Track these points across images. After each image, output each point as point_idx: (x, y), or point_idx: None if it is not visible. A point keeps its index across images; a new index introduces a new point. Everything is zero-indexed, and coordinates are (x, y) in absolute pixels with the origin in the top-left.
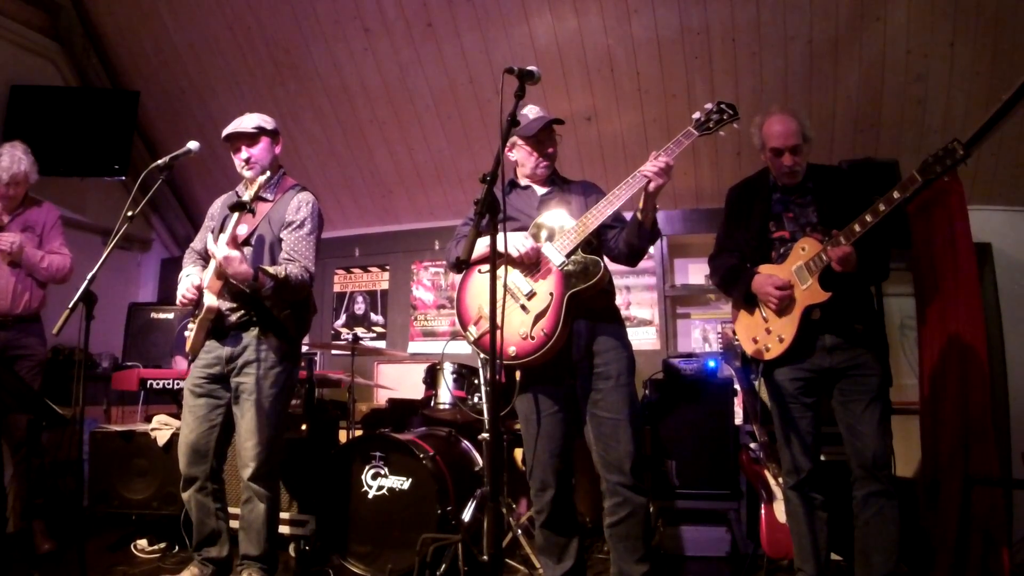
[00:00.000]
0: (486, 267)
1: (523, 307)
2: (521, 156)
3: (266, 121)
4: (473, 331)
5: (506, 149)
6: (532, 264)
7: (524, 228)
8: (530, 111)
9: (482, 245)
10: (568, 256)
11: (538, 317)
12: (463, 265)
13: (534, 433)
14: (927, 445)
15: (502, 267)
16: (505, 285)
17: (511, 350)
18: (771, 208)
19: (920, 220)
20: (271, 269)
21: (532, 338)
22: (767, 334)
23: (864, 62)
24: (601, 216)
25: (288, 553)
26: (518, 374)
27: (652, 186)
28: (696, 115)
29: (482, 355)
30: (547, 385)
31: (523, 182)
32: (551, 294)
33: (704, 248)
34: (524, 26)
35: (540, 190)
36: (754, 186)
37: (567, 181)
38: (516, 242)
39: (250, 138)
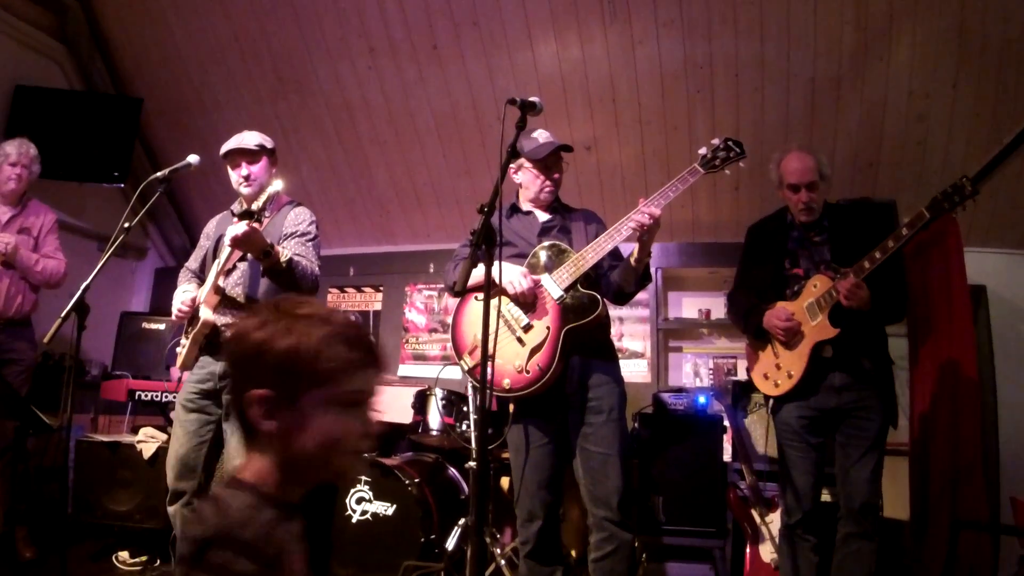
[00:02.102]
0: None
1: (519, 339)
2: (527, 179)
3: (267, 140)
4: (468, 361)
5: (511, 171)
6: (532, 297)
7: (523, 254)
8: (539, 135)
9: (479, 273)
10: (567, 290)
11: (534, 351)
12: (457, 294)
13: (523, 464)
14: (915, 486)
15: (502, 295)
16: (500, 315)
17: (505, 383)
18: (787, 245)
19: (916, 262)
20: (279, 248)
21: (527, 372)
22: (777, 370)
23: (865, 101)
24: (596, 256)
25: None
26: (511, 406)
27: (643, 234)
28: (703, 151)
29: (473, 384)
30: (539, 417)
31: (525, 207)
32: (548, 328)
33: (699, 282)
34: (528, 53)
35: (542, 216)
36: (772, 223)
37: (569, 209)
38: (514, 277)
39: (252, 155)
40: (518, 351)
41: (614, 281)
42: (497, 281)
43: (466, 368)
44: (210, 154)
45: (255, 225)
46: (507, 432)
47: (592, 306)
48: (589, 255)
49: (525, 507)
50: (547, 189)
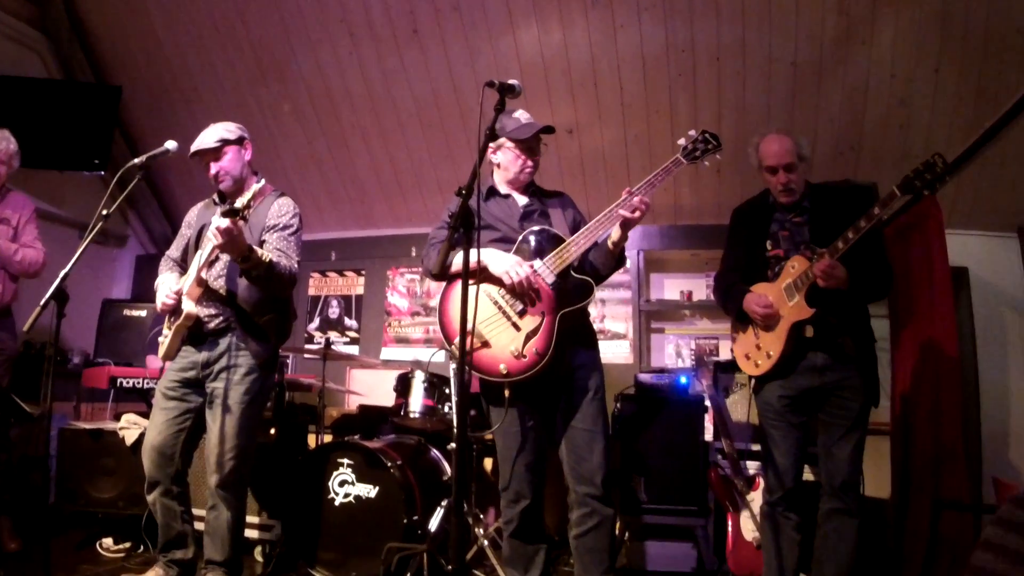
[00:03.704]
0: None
1: (514, 325)
2: (507, 159)
3: (229, 131)
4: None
5: (490, 151)
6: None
7: (507, 239)
8: (521, 115)
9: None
10: (560, 276)
11: (529, 336)
12: (438, 278)
13: (513, 446)
14: (897, 466)
15: (491, 279)
16: (494, 301)
17: (502, 368)
18: (768, 227)
19: (897, 244)
20: (259, 251)
21: (524, 356)
22: (757, 350)
23: (847, 85)
24: (587, 242)
25: (254, 557)
26: (507, 391)
27: (631, 220)
28: (682, 142)
29: (473, 371)
30: (527, 401)
31: (503, 189)
32: (543, 313)
33: (681, 264)
34: (510, 37)
35: (520, 199)
36: (755, 206)
37: (544, 192)
38: (509, 267)
39: (214, 152)
40: (513, 336)
41: (591, 263)
42: (485, 266)
43: (457, 353)
44: (190, 141)
45: (240, 224)
46: (494, 414)
47: (586, 291)
48: (581, 240)
49: (512, 489)
50: (527, 170)
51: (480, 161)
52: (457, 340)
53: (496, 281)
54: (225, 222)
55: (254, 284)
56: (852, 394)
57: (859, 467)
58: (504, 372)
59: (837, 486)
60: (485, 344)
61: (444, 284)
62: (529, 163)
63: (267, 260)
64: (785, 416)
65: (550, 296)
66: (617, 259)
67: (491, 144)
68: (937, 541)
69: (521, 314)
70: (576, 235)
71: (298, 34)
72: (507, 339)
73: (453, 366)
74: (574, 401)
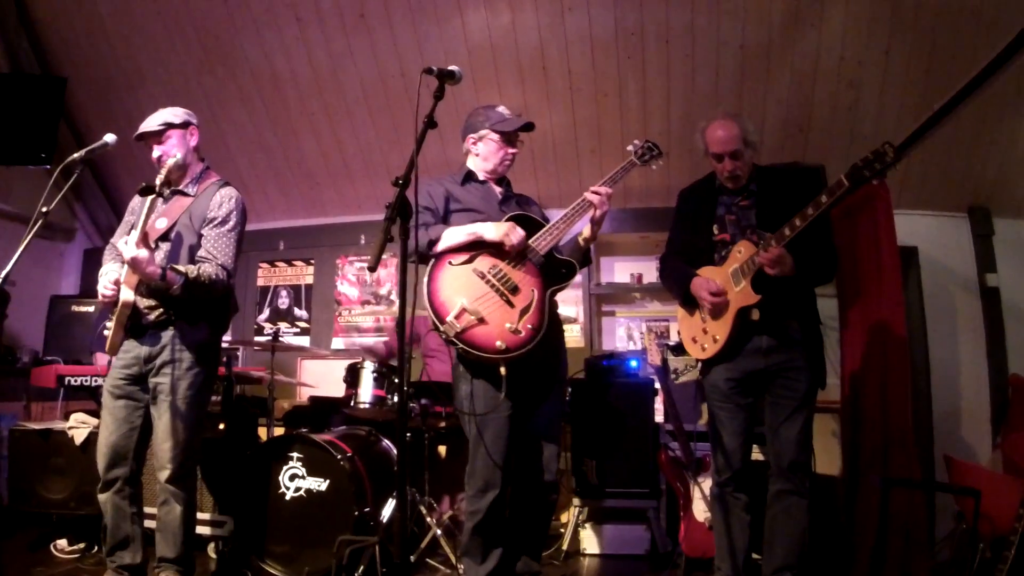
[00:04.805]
0: (459, 259)
1: (508, 301)
2: (488, 150)
3: (175, 115)
4: (456, 324)
5: (471, 141)
6: (514, 258)
7: (490, 220)
8: (503, 110)
9: (458, 233)
10: (547, 255)
11: (523, 312)
12: (422, 259)
13: (492, 432)
14: (847, 444)
15: (480, 258)
16: (484, 277)
17: (499, 344)
18: (715, 211)
19: (845, 224)
20: (182, 268)
21: (519, 332)
22: (704, 334)
23: (796, 68)
24: (567, 228)
25: (207, 554)
26: (502, 369)
27: (598, 214)
28: (631, 148)
29: (464, 348)
30: (495, 384)
31: (480, 176)
32: (533, 290)
33: (630, 247)
34: (457, 20)
35: (496, 188)
36: (701, 189)
37: (511, 188)
38: (506, 228)
39: (157, 135)
40: (508, 312)
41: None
42: (479, 236)
43: (454, 332)
44: (135, 130)
45: (143, 259)
46: (465, 399)
47: (571, 270)
48: (562, 225)
49: (482, 477)
50: (506, 162)
51: (417, 150)
52: (451, 319)
53: (487, 256)
54: (132, 251)
55: (179, 298)
56: (798, 375)
57: (808, 447)
58: (501, 348)
59: (785, 466)
60: (482, 321)
61: (431, 264)
62: (510, 154)
63: (192, 275)
64: (732, 398)
65: (538, 274)
66: (584, 254)
67: (472, 135)
68: (888, 518)
69: (513, 291)
70: (557, 220)
71: (243, 20)
72: (503, 315)
73: (463, 348)
74: (544, 387)
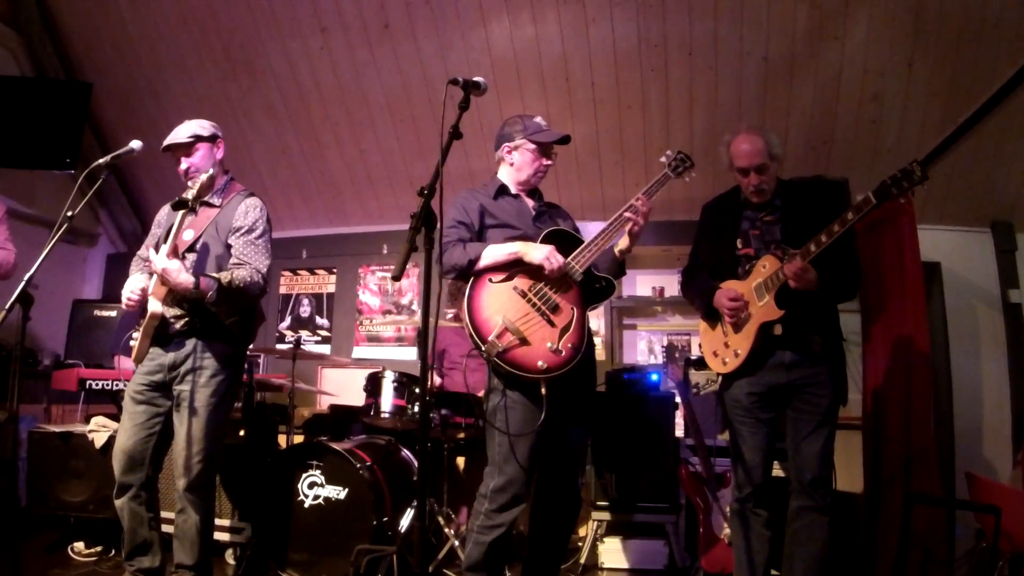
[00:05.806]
0: (499, 276)
1: (549, 321)
2: (523, 160)
3: (203, 128)
4: (498, 344)
5: (505, 150)
6: (556, 278)
7: (527, 237)
8: (540, 121)
9: (499, 252)
10: (585, 272)
11: (563, 331)
12: (461, 276)
13: (525, 447)
14: (868, 461)
15: (520, 276)
16: (527, 297)
17: (540, 364)
18: (739, 225)
19: (868, 238)
20: (215, 274)
21: (560, 352)
22: (725, 348)
23: (819, 80)
24: (606, 243)
25: (225, 560)
26: (543, 388)
27: (636, 228)
28: (664, 159)
29: (509, 369)
30: (535, 400)
31: (513, 190)
32: (573, 308)
33: (653, 260)
34: (481, 31)
35: (529, 202)
36: (726, 203)
37: (543, 199)
38: (548, 252)
39: (186, 148)
40: (549, 332)
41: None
42: (520, 256)
43: (496, 351)
44: (160, 137)
45: (174, 269)
46: (497, 413)
47: (609, 288)
48: (600, 242)
49: (510, 492)
50: (540, 173)
51: (443, 161)
52: (493, 339)
53: (527, 275)
54: (164, 262)
55: (216, 308)
56: (820, 390)
57: (829, 463)
58: (543, 368)
59: (807, 483)
60: (524, 341)
61: (470, 282)
62: (544, 165)
63: (226, 280)
64: (753, 412)
65: (577, 291)
66: (620, 266)
67: (508, 144)
68: (909, 536)
69: (554, 310)
70: (595, 236)
71: (268, 29)
72: (544, 335)
73: (508, 369)
74: (578, 402)
